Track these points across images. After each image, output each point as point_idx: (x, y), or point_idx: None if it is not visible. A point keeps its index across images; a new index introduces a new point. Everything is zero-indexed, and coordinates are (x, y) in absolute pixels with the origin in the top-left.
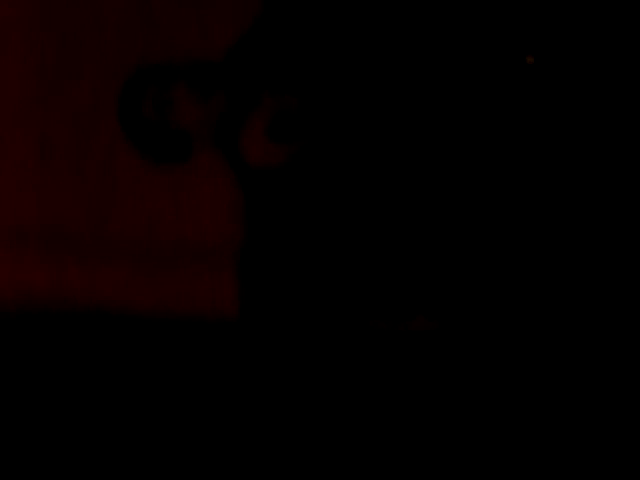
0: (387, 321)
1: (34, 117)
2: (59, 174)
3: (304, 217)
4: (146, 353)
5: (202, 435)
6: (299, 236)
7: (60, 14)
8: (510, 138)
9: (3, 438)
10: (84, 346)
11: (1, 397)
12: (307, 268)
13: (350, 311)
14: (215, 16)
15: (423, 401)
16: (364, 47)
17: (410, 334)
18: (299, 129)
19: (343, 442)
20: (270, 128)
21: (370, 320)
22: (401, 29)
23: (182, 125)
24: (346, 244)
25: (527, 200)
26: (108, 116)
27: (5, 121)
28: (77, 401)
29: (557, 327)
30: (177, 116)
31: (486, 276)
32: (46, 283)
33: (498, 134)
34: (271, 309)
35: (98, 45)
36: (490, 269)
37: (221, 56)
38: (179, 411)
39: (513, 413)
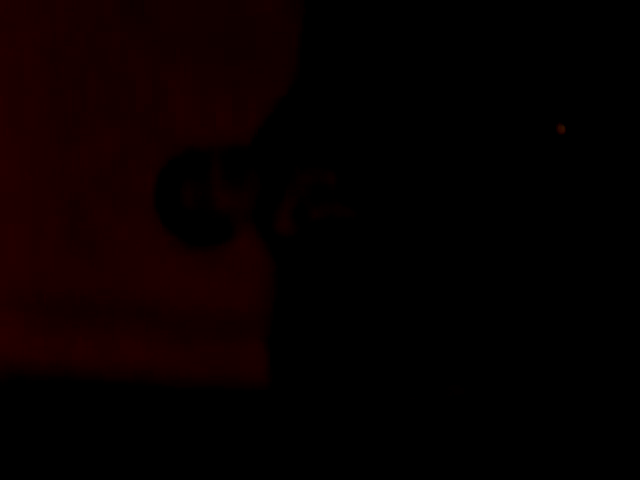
0: (420, 393)
1: (64, 184)
2: (88, 247)
3: (332, 285)
4: (174, 422)
5: None
6: (327, 306)
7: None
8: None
9: None
10: (106, 414)
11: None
12: (336, 337)
13: (379, 381)
14: (242, 100)
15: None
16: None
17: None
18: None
19: None
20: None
21: (404, 392)
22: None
23: (221, 211)
24: (374, 316)
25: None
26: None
27: (36, 192)
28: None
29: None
30: (215, 203)
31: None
32: (63, 350)
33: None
34: (300, 378)
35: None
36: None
37: (250, 138)
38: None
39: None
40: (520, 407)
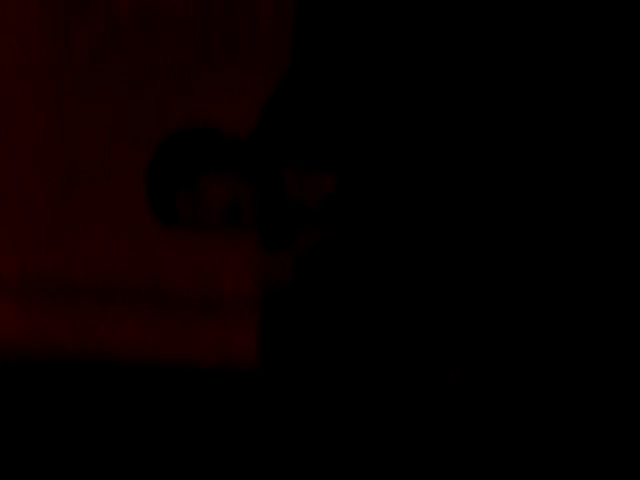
0: (415, 373)
1: (53, 162)
2: (92, 234)
3: (326, 269)
4: (166, 402)
5: None
6: (320, 289)
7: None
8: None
9: None
10: (101, 396)
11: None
12: (328, 320)
13: (371, 361)
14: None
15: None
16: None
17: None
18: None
19: None
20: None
21: (398, 378)
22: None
23: (213, 210)
24: (368, 295)
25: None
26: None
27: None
28: (93, 452)
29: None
30: (209, 205)
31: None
32: (55, 333)
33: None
34: (291, 359)
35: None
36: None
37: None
38: (197, 461)
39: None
40: (515, 395)
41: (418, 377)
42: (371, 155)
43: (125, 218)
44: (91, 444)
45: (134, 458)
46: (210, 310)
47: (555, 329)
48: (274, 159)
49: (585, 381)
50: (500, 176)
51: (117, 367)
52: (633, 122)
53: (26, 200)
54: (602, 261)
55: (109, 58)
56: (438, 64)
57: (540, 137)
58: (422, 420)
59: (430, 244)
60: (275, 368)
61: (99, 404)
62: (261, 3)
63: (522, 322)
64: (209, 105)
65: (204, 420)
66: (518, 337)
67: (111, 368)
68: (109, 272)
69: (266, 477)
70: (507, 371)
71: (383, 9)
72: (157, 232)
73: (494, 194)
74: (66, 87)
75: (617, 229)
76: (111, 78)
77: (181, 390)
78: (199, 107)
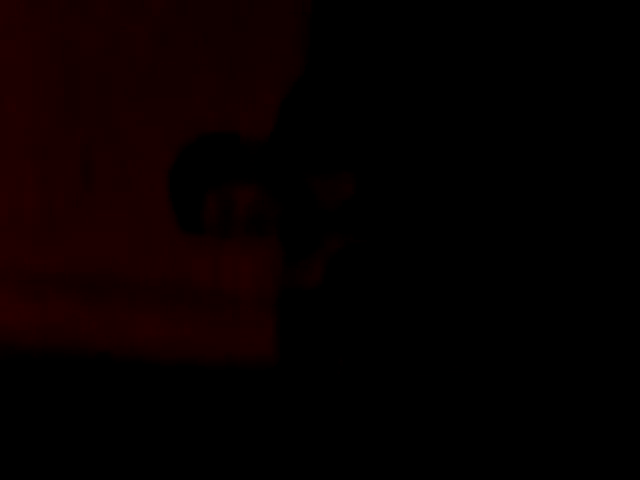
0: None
1: (74, 142)
2: (110, 228)
3: (341, 264)
4: (183, 399)
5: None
6: (350, 292)
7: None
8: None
9: None
10: (117, 391)
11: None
12: (344, 315)
13: (385, 359)
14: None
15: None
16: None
17: None
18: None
19: None
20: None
21: (408, 370)
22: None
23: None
24: (381, 293)
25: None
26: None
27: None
28: (112, 444)
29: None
30: (236, 213)
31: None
32: (71, 326)
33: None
34: (308, 354)
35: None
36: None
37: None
38: (216, 456)
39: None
40: (515, 395)
41: (423, 370)
42: (388, 154)
43: (144, 217)
44: (101, 442)
45: (147, 456)
46: (227, 308)
47: (555, 329)
48: (296, 165)
49: (585, 381)
50: (504, 176)
51: (133, 364)
52: (633, 122)
53: (47, 195)
54: (602, 261)
55: (126, 54)
56: (447, 65)
57: (542, 137)
58: (424, 419)
59: (446, 244)
60: (292, 366)
61: (113, 401)
62: (277, 2)
63: (522, 322)
64: (227, 106)
65: (219, 418)
66: (518, 337)
67: (126, 365)
68: (127, 268)
69: (281, 473)
70: (507, 370)
71: (399, 8)
72: (176, 231)
73: (500, 194)
74: (82, 84)
75: (617, 229)
76: (127, 76)
77: (195, 388)
78: (217, 107)
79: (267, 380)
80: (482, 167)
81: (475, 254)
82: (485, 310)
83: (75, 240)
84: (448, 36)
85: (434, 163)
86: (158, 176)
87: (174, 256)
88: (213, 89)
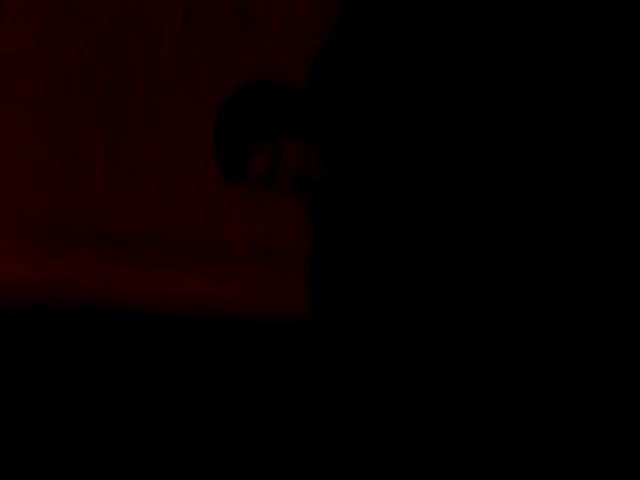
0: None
1: (108, 105)
2: (147, 180)
3: (367, 219)
4: (217, 352)
5: (275, 429)
6: (363, 237)
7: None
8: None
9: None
10: (144, 344)
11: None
12: (373, 266)
13: (417, 307)
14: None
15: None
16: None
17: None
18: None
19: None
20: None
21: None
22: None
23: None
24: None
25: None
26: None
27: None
28: (138, 399)
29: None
30: (285, 166)
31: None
32: (98, 280)
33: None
34: (340, 308)
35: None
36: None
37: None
38: (249, 410)
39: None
40: (515, 394)
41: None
42: (423, 114)
43: (182, 166)
44: (119, 398)
45: (175, 413)
46: (260, 261)
47: (555, 329)
48: (341, 123)
49: (585, 381)
50: (505, 176)
51: (167, 317)
52: (633, 122)
53: (78, 150)
54: (602, 261)
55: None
56: (451, 63)
57: (543, 138)
58: (425, 416)
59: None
60: (326, 318)
61: (144, 354)
62: None
63: (522, 321)
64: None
65: (255, 372)
66: (518, 337)
67: (162, 318)
68: (164, 220)
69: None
70: (507, 370)
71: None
72: (205, 183)
73: (500, 194)
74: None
75: (617, 229)
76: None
77: (229, 341)
78: (257, 54)
79: (301, 334)
80: (482, 167)
81: (475, 254)
82: (485, 310)
83: (110, 196)
84: (448, 36)
85: (435, 163)
86: (200, 126)
87: (211, 211)
88: (254, 38)
